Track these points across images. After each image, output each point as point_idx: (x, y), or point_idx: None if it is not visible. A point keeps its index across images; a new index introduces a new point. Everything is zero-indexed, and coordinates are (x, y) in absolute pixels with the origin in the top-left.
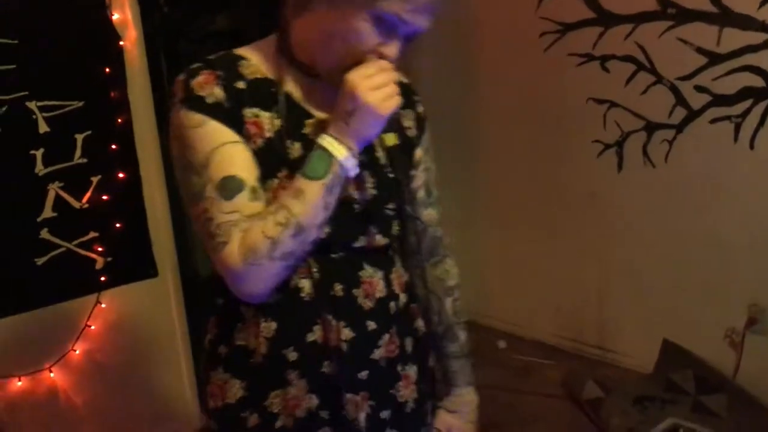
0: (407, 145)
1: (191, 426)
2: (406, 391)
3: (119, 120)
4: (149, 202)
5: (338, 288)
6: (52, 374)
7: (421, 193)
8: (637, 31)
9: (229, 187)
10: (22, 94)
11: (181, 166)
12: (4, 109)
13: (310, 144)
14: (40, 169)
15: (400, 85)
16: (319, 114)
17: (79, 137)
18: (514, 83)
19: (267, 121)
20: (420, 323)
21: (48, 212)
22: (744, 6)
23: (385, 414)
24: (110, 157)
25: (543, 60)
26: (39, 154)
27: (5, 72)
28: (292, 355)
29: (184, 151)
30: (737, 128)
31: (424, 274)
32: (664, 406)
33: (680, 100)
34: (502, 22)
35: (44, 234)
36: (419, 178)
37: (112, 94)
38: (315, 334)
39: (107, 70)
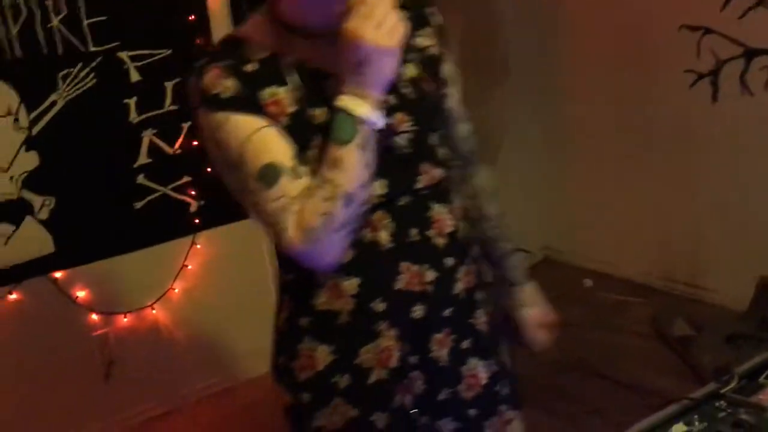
0: (433, 65)
1: None
2: (483, 318)
3: None
4: None
5: (414, 232)
6: (154, 311)
7: (459, 108)
8: None
9: (268, 175)
10: (114, 44)
11: (221, 166)
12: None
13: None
14: (134, 117)
15: (406, 4)
16: (335, 71)
17: (169, 85)
18: (600, 13)
19: (286, 97)
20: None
21: (143, 158)
22: None
23: (466, 344)
24: None
25: None
26: (132, 102)
27: (97, 24)
28: (380, 306)
29: (218, 152)
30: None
31: (466, 182)
32: (759, 344)
33: None
34: None
35: (141, 179)
36: (454, 95)
37: (198, 41)
38: (400, 282)
39: (192, 17)
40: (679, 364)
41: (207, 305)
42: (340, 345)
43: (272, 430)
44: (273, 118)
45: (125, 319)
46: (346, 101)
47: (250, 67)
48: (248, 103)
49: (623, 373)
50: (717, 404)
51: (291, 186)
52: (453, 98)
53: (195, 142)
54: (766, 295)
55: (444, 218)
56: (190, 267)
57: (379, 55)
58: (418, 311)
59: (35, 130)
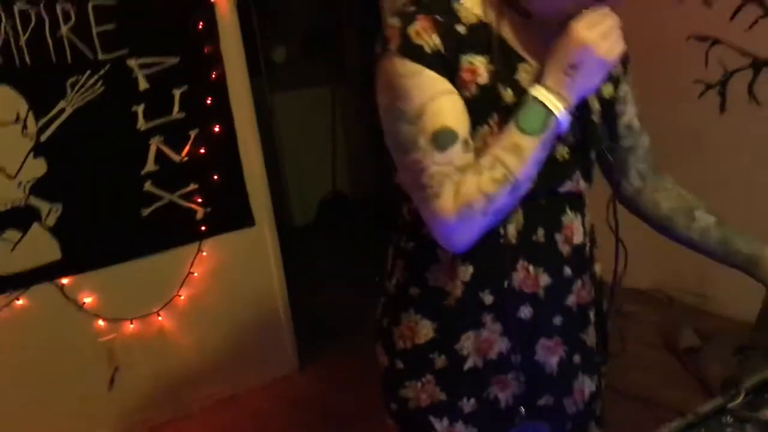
0: (613, 85)
1: (289, 367)
2: (592, 336)
3: (213, 74)
4: (244, 154)
5: (540, 233)
6: (160, 318)
7: (636, 122)
8: None
9: (443, 138)
10: (122, 52)
11: (391, 115)
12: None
13: (521, 90)
14: (141, 124)
15: None
16: (532, 59)
17: (177, 92)
18: None
19: (481, 67)
20: (598, 267)
21: (151, 166)
22: None
23: (577, 359)
24: (206, 111)
25: None
26: (140, 109)
27: (106, 32)
28: (488, 299)
29: (396, 101)
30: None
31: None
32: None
33: None
34: None
35: (148, 186)
36: (630, 111)
37: (206, 49)
38: (513, 280)
39: (200, 25)
40: (685, 375)
41: (213, 312)
42: (443, 325)
43: None
44: (463, 86)
45: (131, 326)
46: (546, 95)
47: (460, 29)
48: (447, 64)
49: (630, 384)
50: (723, 419)
51: (460, 156)
52: (631, 112)
53: (202, 150)
54: None
55: (575, 226)
56: (196, 274)
57: (595, 64)
58: (525, 312)
59: (43, 137)
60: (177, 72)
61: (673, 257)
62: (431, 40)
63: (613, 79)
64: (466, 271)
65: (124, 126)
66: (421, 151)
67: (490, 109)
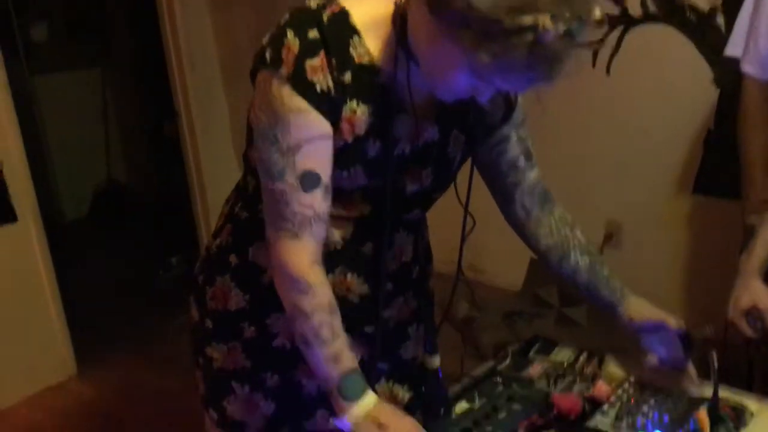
0: (486, 128)
1: (66, 372)
2: (411, 350)
3: None
4: (2, 145)
5: (369, 246)
6: None
7: (521, 161)
8: None
9: (309, 181)
10: None
11: (266, 137)
12: None
13: (391, 142)
14: None
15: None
16: (414, 108)
17: None
18: None
19: (362, 118)
20: (430, 285)
21: None
22: None
23: (384, 366)
24: None
25: None
26: None
27: None
28: None
29: (275, 127)
30: (595, 54)
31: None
32: (532, 319)
33: None
34: None
35: None
36: (514, 151)
37: None
38: (329, 280)
39: None
40: (462, 345)
41: None
42: (254, 299)
43: None
44: (340, 134)
45: None
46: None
47: (347, 77)
48: (332, 108)
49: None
50: (494, 380)
51: (320, 203)
52: (515, 151)
53: None
54: (536, 274)
55: (405, 247)
56: None
57: None
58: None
59: None
60: None
61: (448, 234)
62: (324, 81)
63: (487, 129)
64: None
65: None
66: (288, 184)
67: (354, 159)
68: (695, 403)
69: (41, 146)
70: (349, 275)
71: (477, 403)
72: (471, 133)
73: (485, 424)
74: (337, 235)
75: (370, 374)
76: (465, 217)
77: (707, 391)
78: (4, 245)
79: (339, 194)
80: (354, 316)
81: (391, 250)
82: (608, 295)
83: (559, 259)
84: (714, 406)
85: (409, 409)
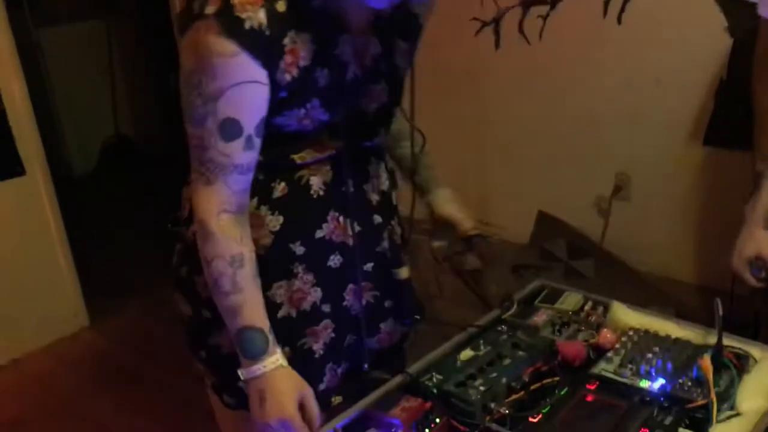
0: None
1: (78, 323)
2: (405, 272)
3: None
4: (7, 97)
5: (350, 184)
6: None
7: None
8: None
9: (230, 129)
10: None
11: (189, 82)
12: None
13: (339, 67)
14: None
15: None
16: (355, 27)
17: None
18: None
19: (303, 47)
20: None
21: None
22: None
23: (388, 303)
24: None
25: None
26: None
27: None
28: (299, 249)
29: (199, 73)
30: (606, 4)
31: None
32: (539, 272)
33: None
34: None
35: None
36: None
37: None
38: (323, 231)
39: None
40: (471, 296)
41: None
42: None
43: (66, 400)
44: (285, 69)
45: None
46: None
47: (282, 5)
48: (268, 46)
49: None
50: (499, 328)
51: (240, 153)
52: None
53: None
54: (543, 228)
55: (380, 174)
56: None
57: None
58: (334, 261)
59: None
60: None
61: (457, 189)
62: (256, 16)
63: (417, 23)
64: (276, 222)
65: None
66: (207, 131)
67: (307, 93)
68: (699, 350)
69: (47, 100)
70: (341, 219)
71: (482, 350)
72: (412, 39)
73: (489, 371)
74: (318, 182)
75: (373, 316)
76: (412, 131)
77: (711, 339)
78: (13, 198)
79: (306, 137)
80: (353, 259)
81: (370, 182)
82: (425, 183)
83: (394, 144)
84: (718, 352)
85: (400, 344)
